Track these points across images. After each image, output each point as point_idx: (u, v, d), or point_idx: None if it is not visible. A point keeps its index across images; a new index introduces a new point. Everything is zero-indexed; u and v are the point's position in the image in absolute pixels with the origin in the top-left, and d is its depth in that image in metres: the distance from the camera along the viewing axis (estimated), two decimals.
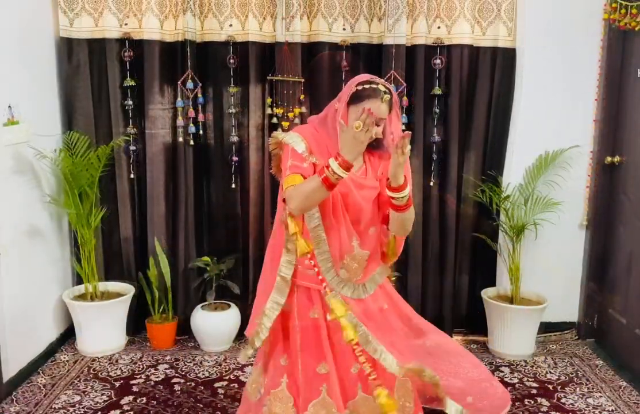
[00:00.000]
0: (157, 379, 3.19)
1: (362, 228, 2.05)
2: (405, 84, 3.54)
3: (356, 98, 1.97)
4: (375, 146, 2.05)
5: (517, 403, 3.03)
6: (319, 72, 3.60)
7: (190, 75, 3.53)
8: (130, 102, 3.58)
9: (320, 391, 2.01)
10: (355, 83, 1.99)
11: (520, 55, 3.63)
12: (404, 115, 3.58)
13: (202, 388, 3.12)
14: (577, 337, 3.91)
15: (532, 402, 3.07)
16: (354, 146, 1.82)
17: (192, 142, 3.61)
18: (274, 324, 2.04)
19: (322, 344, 2.03)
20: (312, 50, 3.59)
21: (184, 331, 3.73)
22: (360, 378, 2.01)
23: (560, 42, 3.64)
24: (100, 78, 3.57)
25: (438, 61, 3.59)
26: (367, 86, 1.97)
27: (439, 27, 3.58)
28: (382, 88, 1.96)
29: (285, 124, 3.58)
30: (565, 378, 3.35)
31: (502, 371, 3.42)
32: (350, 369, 2.01)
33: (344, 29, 3.57)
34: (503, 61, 3.62)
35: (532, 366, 3.49)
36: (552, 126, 3.69)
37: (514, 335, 3.59)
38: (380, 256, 2.16)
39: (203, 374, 3.28)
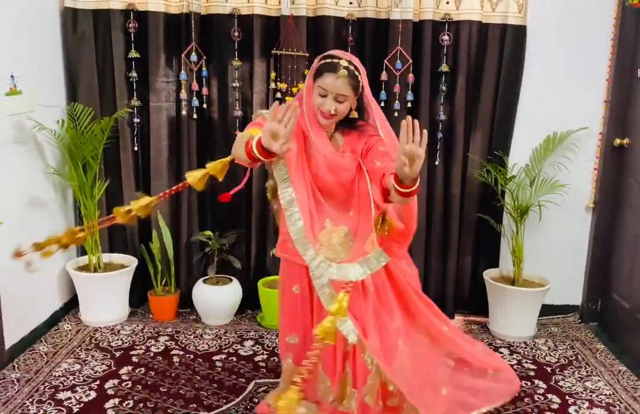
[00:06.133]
0: (156, 351, 3.23)
1: (338, 209, 2.05)
2: (411, 60, 3.48)
3: (317, 73, 1.96)
4: (347, 124, 2.04)
5: None
6: (324, 47, 3.53)
7: (194, 48, 3.51)
8: (135, 75, 3.57)
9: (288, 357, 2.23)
10: (319, 57, 1.97)
11: (531, 33, 3.54)
12: (410, 92, 3.54)
13: (201, 360, 3.15)
14: (579, 320, 3.89)
15: (529, 384, 3.05)
16: (268, 137, 1.73)
17: (195, 116, 3.61)
18: None
19: (297, 317, 2.12)
20: (318, 24, 3.54)
21: (186, 304, 3.76)
22: None
23: (572, 20, 3.55)
24: (105, 50, 3.56)
25: (446, 37, 3.52)
26: (328, 60, 1.95)
27: (447, 2, 3.49)
28: (344, 63, 1.92)
29: (289, 99, 3.56)
30: (565, 361, 3.33)
31: (501, 352, 3.40)
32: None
33: (350, 3, 3.52)
34: (512, 39, 3.53)
35: (532, 348, 3.47)
36: (561, 106, 3.63)
37: (514, 317, 3.57)
38: (378, 240, 2.06)
39: (202, 347, 3.31)
